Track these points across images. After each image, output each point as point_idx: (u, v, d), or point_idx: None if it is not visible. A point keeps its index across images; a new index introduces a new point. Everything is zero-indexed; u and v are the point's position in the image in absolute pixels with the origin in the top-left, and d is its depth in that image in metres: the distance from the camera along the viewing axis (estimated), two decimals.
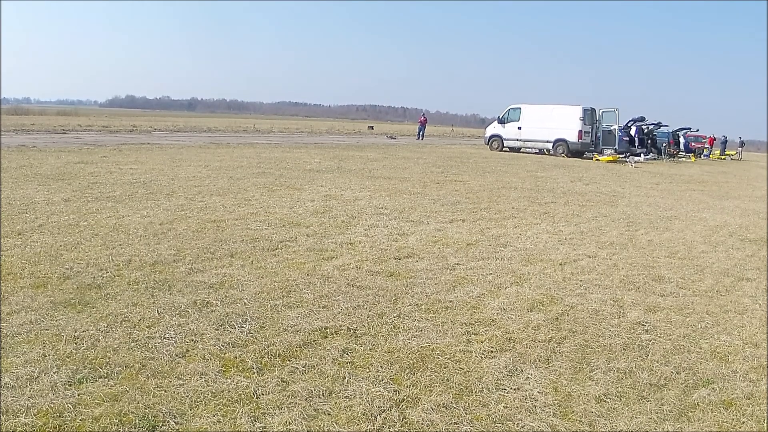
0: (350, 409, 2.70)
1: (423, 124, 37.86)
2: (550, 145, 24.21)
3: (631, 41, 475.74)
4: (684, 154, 32.49)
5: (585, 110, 23.66)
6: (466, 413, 2.74)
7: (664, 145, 28.54)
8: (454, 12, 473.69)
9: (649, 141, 28.25)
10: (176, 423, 2.51)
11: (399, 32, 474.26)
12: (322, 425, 2.57)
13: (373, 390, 2.89)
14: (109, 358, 3.06)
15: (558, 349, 3.55)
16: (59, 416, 2.50)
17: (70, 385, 2.75)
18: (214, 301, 3.98)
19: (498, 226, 7.31)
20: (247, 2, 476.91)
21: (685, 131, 34.55)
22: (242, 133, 32.24)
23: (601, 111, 24.62)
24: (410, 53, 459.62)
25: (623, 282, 5.12)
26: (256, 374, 2.99)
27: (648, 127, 28.31)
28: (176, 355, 3.14)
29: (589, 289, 4.82)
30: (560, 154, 23.74)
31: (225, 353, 3.21)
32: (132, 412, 2.55)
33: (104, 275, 4.40)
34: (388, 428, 2.59)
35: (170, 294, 4.08)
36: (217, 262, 4.93)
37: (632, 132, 26.85)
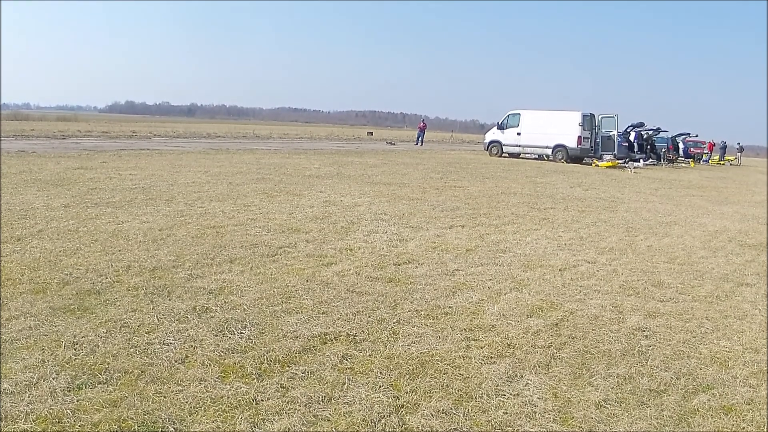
0: (350, 415, 2.70)
1: (422, 130, 37.99)
2: (549, 151, 24.25)
3: (630, 46, 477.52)
4: (683, 159, 32.54)
5: (584, 116, 23.73)
6: (465, 419, 2.74)
7: (663, 150, 28.59)
8: (454, 17, 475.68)
9: (649, 146, 28.29)
10: (175, 429, 2.51)
11: (398, 38, 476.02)
12: (321, 431, 2.57)
13: (372, 396, 2.88)
14: (109, 363, 3.05)
15: (558, 354, 3.55)
16: (58, 422, 2.49)
17: (69, 391, 2.75)
18: (213, 307, 3.97)
19: (497, 232, 7.31)
20: (247, 8, 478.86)
21: (684, 136, 34.63)
22: (242, 138, 32.29)
23: (600, 116, 24.70)
24: (410, 59, 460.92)
25: (623, 287, 5.12)
26: (255, 380, 2.98)
27: (647, 133, 28.35)
28: (175, 361, 3.14)
29: (589, 295, 4.82)
30: (559, 159, 23.78)
31: (224, 359, 3.20)
32: (131, 418, 2.55)
33: (103, 281, 4.39)
34: None
35: (170, 300, 4.08)
36: (216, 267, 4.93)
37: (631, 137, 26.89)
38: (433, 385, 3.05)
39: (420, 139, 37.24)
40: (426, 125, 39.63)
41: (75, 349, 3.19)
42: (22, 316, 3.61)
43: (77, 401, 2.66)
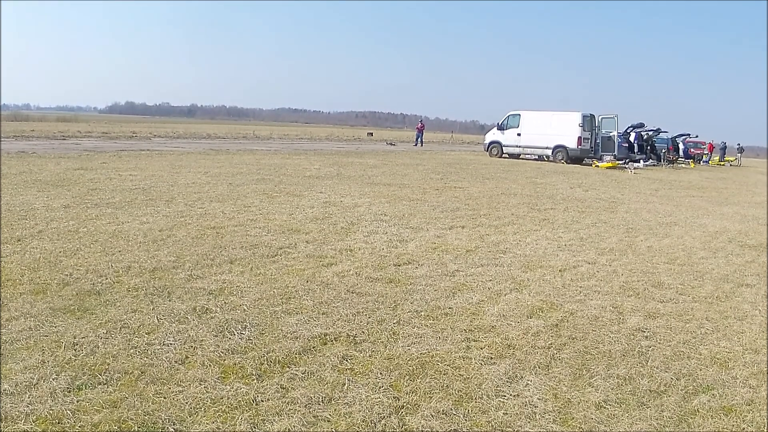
0: (350, 416, 2.70)
1: (420, 131, 38.09)
2: (549, 152, 24.27)
3: (630, 47, 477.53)
4: (683, 160, 32.55)
5: (584, 116, 23.75)
6: (465, 420, 2.74)
7: (663, 151, 28.59)
8: (454, 18, 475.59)
9: (649, 147, 28.30)
10: (175, 430, 2.51)
11: (398, 39, 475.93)
12: None
13: (372, 397, 2.88)
14: (109, 364, 3.05)
15: (558, 355, 3.55)
16: (58, 423, 2.49)
17: (70, 392, 2.75)
18: (213, 308, 3.97)
19: (497, 233, 7.31)
20: (247, 8, 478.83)
21: (684, 137, 34.66)
22: (242, 139, 32.33)
23: (600, 117, 24.71)
24: (410, 60, 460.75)
25: (623, 288, 5.12)
26: (255, 381, 2.98)
27: (647, 134, 28.38)
28: (175, 362, 3.14)
29: (589, 296, 4.82)
30: (559, 160, 23.80)
31: (224, 360, 3.20)
32: (131, 419, 2.55)
33: (104, 282, 4.40)
34: None
35: (170, 300, 4.08)
36: (216, 268, 4.93)
37: (631, 138, 26.91)
38: (433, 385, 3.05)
39: (419, 139, 37.30)
40: (424, 126, 39.72)
41: (75, 350, 3.19)
42: (22, 316, 3.61)
43: (77, 402, 2.66)
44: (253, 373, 3.07)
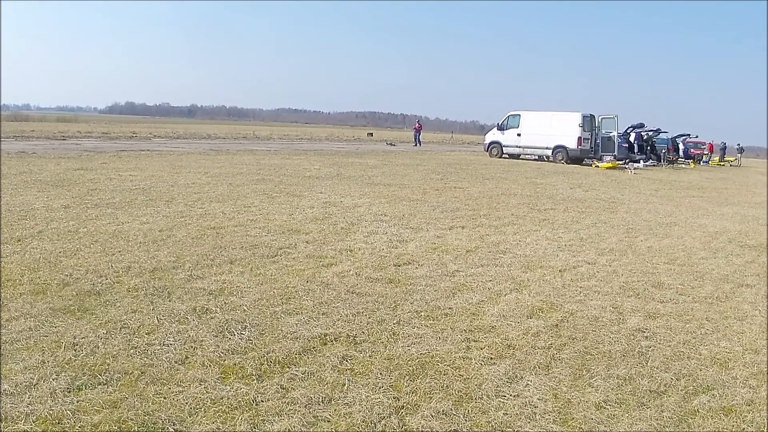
0: (350, 416, 2.70)
1: (418, 131, 38.22)
2: (549, 152, 24.27)
3: (630, 48, 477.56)
4: (683, 160, 32.55)
5: (584, 117, 23.75)
6: (465, 420, 2.74)
7: (663, 151, 28.60)
8: (454, 18, 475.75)
9: (649, 147, 28.31)
10: (175, 430, 2.51)
11: (398, 38, 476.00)
12: None
13: (372, 397, 2.88)
14: (109, 364, 3.05)
15: (558, 355, 3.55)
16: (58, 423, 2.49)
17: (70, 392, 2.75)
18: (213, 308, 3.98)
19: (497, 233, 7.31)
20: (247, 8, 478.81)
21: (684, 137, 34.66)
22: (242, 139, 32.33)
23: (600, 117, 24.71)
24: (410, 60, 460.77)
25: (623, 288, 5.12)
26: (255, 381, 2.98)
27: (647, 134, 28.39)
28: (175, 362, 3.14)
29: (589, 296, 4.82)
30: (559, 160, 23.80)
31: (224, 360, 3.20)
32: (131, 419, 2.55)
33: (103, 282, 4.40)
34: None
35: (170, 301, 4.08)
36: (216, 268, 4.93)
37: (631, 138, 26.92)
38: (433, 386, 3.05)
39: (417, 139, 37.41)
40: (421, 126, 39.89)
41: (75, 350, 3.19)
42: (22, 317, 3.61)
43: (77, 402, 2.66)
44: (253, 373, 3.07)
